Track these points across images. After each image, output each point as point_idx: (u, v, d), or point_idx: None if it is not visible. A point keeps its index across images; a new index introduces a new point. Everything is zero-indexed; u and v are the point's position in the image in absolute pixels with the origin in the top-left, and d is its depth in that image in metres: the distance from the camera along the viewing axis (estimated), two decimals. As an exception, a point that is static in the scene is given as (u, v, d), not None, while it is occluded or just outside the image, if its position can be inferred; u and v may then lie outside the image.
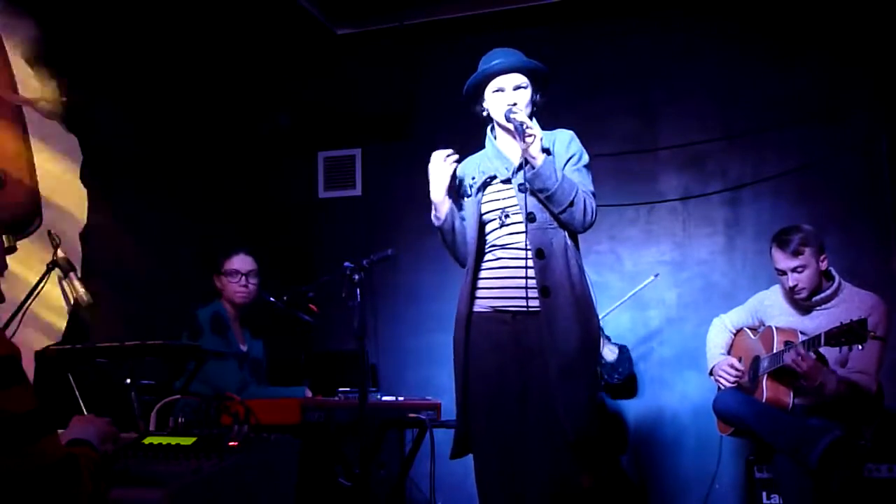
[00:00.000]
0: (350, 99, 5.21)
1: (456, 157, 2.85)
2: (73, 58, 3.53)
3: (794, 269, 3.41)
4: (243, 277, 3.76)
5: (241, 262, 3.79)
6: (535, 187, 2.70)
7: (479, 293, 2.82)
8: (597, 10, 4.79)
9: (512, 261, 2.77)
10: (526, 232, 2.74)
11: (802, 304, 3.49)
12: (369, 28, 5.14)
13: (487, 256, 2.84)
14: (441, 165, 2.83)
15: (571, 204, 2.70)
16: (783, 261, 3.43)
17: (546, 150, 2.76)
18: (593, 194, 2.80)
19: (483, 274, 2.83)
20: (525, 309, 2.73)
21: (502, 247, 2.80)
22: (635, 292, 4.43)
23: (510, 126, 2.76)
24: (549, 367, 2.65)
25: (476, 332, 2.80)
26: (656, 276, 4.47)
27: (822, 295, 3.44)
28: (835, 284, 3.44)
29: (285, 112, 5.20)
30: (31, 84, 3.37)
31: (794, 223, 3.61)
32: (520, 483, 2.71)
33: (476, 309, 2.82)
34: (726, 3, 4.62)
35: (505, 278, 2.78)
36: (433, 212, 2.90)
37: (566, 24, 4.82)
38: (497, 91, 2.84)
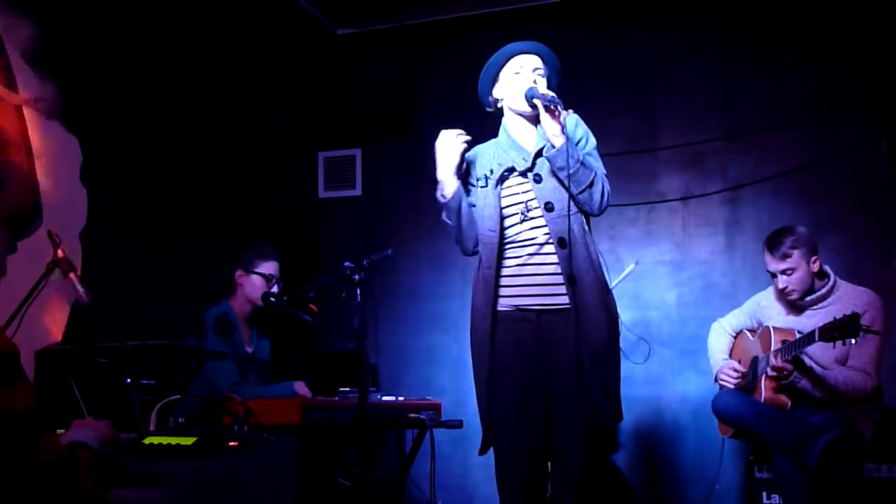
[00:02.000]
0: (350, 99, 5.21)
1: (467, 137, 2.82)
2: (73, 58, 3.53)
3: (783, 272, 3.42)
4: (274, 281, 3.78)
5: (275, 267, 3.80)
6: (557, 166, 2.67)
7: (503, 291, 2.80)
8: (597, 10, 4.79)
9: (535, 257, 2.75)
10: (546, 225, 2.72)
11: (796, 304, 3.49)
12: (369, 28, 5.14)
13: (508, 253, 2.80)
14: (451, 144, 2.80)
15: (591, 184, 2.69)
16: (773, 263, 3.45)
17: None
18: (606, 176, 2.78)
19: (505, 272, 2.80)
20: (550, 307, 2.72)
21: (523, 243, 2.77)
22: (618, 282, 4.37)
23: (536, 103, 2.70)
24: (581, 356, 2.65)
25: (501, 331, 2.78)
26: (637, 263, 4.43)
27: (816, 294, 3.44)
28: (829, 283, 3.44)
29: (285, 112, 5.20)
30: (31, 84, 3.37)
31: (794, 223, 3.62)
32: (542, 478, 2.72)
33: (499, 308, 2.80)
34: (726, 3, 4.62)
35: (529, 275, 2.76)
36: (438, 189, 2.86)
37: (566, 24, 4.82)
38: (516, 73, 2.82)
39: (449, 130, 2.82)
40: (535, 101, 2.71)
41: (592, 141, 2.84)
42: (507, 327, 2.78)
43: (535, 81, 2.78)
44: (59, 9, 3.51)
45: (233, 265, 3.77)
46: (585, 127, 2.85)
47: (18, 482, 1.43)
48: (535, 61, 2.82)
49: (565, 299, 2.70)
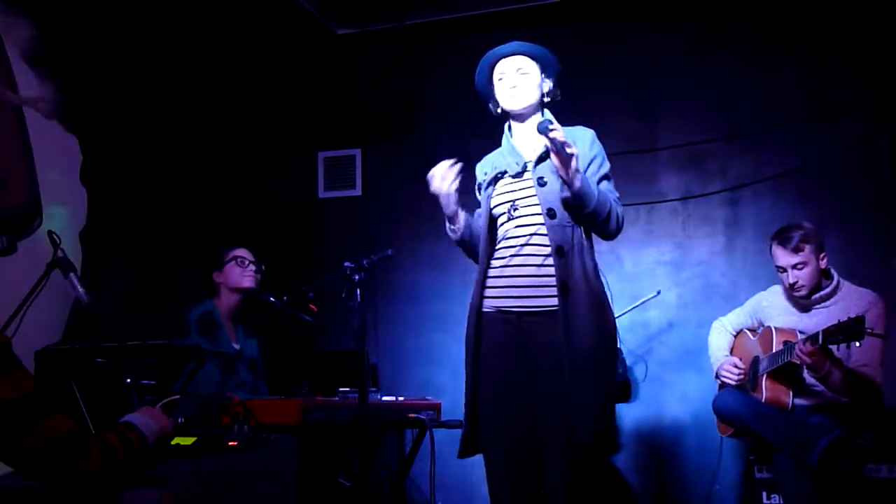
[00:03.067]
0: (350, 99, 5.22)
1: (459, 165, 2.79)
2: (72, 58, 3.52)
3: (794, 266, 3.41)
4: (249, 263, 3.83)
5: (242, 251, 3.87)
6: (573, 205, 2.63)
7: (487, 292, 2.79)
8: (597, 9, 4.80)
9: (515, 258, 2.73)
10: (546, 234, 2.68)
11: (802, 302, 3.49)
12: (369, 28, 5.15)
13: (497, 254, 2.79)
14: (447, 176, 2.78)
15: (607, 218, 2.66)
16: (784, 257, 3.44)
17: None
18: (617, 200, 2.74)
19: (491, 273, 2.79)
20: (531, 309, 2.69)
21: (509, 243, 2.75)
22: (636, 306, 4.44)
23: (546, 142, 2.59)
24: (564, 366, 2.59)
25: (485, 332, 2.77)
26: (658, 293, 4.49)
27: (822, 293, 3.44)
28: (833, 283, 3.44)
29: (285, 112, 5.20)
30: (31, 84, 3.37)
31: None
32: (530, 483, 2.70)
33: (484, 309, 2.79)
34: (726, 2, 4.62)
35: (510, 277, 2.73)
36: (447, 225, 2.87)
37: (566, 24, 4.82)
38: (500, 80, 2.80)
39: (441, 163, 2.80)
40: (546, 141, 2.60)
41: (607, 164, 2.78)
42: (491, 329, 2.76)
43: (551, 123, 2.63)
44: (59, 9, 3.51)
45: (209, 271, 3.84)
46: (600, 145, 2.79)
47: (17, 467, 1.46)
48: (517, 62, 2.79)
49: (545, 301, 2.66)
